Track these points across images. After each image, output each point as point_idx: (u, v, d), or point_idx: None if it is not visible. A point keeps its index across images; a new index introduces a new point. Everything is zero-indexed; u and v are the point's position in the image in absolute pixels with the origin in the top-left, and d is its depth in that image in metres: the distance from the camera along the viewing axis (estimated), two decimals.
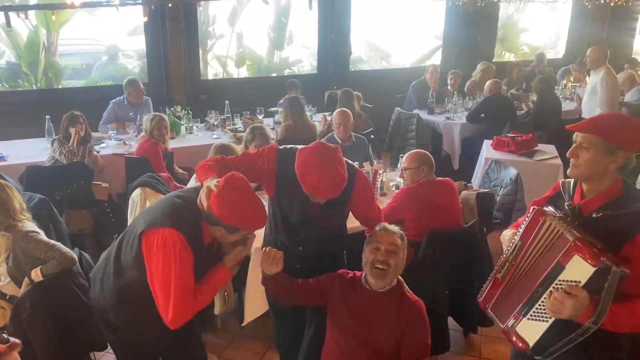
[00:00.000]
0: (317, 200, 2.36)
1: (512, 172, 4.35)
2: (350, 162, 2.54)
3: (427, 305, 3.21)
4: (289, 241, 2.59)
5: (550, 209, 1.94)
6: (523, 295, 1.85)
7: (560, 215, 1.88)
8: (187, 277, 2.05)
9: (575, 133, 1.87)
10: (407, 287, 2.47)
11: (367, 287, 2.40)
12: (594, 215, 1.84)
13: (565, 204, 1.94)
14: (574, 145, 1.87)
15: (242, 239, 2.16)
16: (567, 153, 1.89)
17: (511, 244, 1.96)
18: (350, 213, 2.69)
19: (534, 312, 1.82)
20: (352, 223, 2.77)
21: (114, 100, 5.82)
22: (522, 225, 1.93)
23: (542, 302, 1.79)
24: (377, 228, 2.44)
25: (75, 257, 2.92)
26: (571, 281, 1.71)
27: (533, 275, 1.83)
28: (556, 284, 1.75)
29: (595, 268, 1.64)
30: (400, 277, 2.47)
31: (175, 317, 2.03)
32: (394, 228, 2.44)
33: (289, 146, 2.51)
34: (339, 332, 2.42)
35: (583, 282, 1.68)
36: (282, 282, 2.40)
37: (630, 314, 1.74)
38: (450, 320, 3.46)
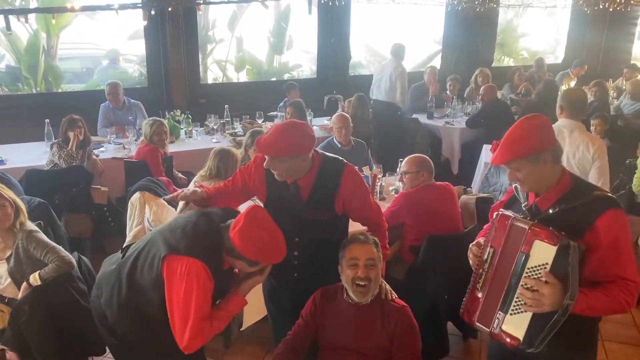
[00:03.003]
0: (275, 172, 2.35)
1: None
2: (339, 157, 2.56)
3: (427, 310, 3.23)
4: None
5: (510, 213, 1.99)
6: (500, 294, 1.90)
7: (522, 216, 1.95)
8: (207, 305, 2.09)
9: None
10: (390, 294, 2.44)
11: (349, 301, 2.39)
12: (550, 211, 1.91)
13: (522, 205, 2.02)
14: (507, 172, 1.98)
15: (260, 268, 2.21)
16: (508, 179, 2.00)
17: (485, 254, 1.98)
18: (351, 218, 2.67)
19: (513, 306, 1.86)
20: (353, 227, 2.76)
21: (102, 104, 5.84)
22: (490, 233, 1.98)
23: (518, 294, 1.83)
24: (350, 238, 2.42)
25: (74, 261, 2.92)
26: (539, 266, 1.78)
27: (504, 273, 1.89)
28: (526, 273, 1.81)
29: (557, 247, 1.73)
30: (384, 284, 2.46)
31: (191, 343, 2.06)
32: (367, 238, 2.40)
33: None
34: (328, 345, 2.41)
35: (550, 263, 1.76)
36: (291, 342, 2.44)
37: (603, 295, 1.81)
38: (449, 325, 3.45)
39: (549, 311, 1.76)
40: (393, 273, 3.48)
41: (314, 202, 2.46)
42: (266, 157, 2.33)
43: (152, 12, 5.50)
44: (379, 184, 4.13)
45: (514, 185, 2.09)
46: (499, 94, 6.95)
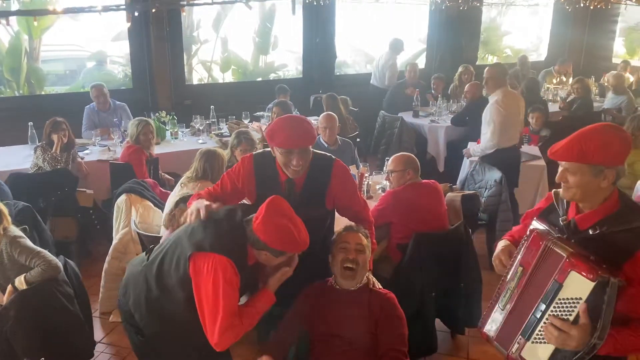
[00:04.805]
0: (293, 166, 2.38)
1: (497, 173, 4.39)
2: (327, 154, 2.61)
3: (415, 307, 3.25)
4: None
5: (545, 227, 1.89)
6: (524, 319, 1.79)
7: (558, 236, 1.82)
8: (235, 301, 2.11)
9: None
10: (377, 284, 2.54)
11: (338, 287, 2.48)
12: (590, 232, 1.77)
13: (560, 218, 1.89)
14: (560, 169, 1.82)
15: (286, 260, 2.23)
16: (556, 177, 1.84)
17: (512, 271, 1.87)
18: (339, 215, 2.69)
19: (537, 334, 1.75)
20: (338, 226, 2.77)
21: (87, 106, 5.79)
22: (521, 249, 1.85)
23: (545, 323, 1.72)
24: (342, 229, 2.53)
25: (60, 265, 2.89)
26: (572, 299, 1.65)
27: (532, 297, 1.77)
28: (556, 303, 1.69)
29: (595, 282, 1.58)
30: (370, 276, 2.55)
31: (222, 339, 2.08)
32: (359, 228, 2.53)
33: (262, 150, 2.60)
34: (319, 334, 2.46)
35: (584, 298, 1.62)
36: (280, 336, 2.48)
37: (632, 337, 1.70)
38: (437, 321, 3.47)
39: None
40: (381, 272, 3.49)
41: (306, 198, 2.50)
42: (293, 153, 2.35)
43: (136, 14, 5.46)
44: (366, 182, 4.15)
45: (554, 192, 1.98)
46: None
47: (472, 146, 5.10)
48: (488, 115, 4.73)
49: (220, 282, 2.05)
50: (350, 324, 2.40)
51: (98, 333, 3.65)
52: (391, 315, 2.42)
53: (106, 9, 4.78)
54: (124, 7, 5.24)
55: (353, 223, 2.62)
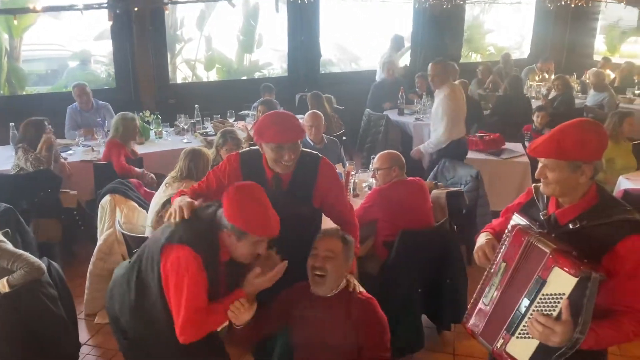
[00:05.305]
0: (284, 161, 2.39)
1: (472, 169, 4.43)
2: (314, 151, 2.62)
3: (402, 304, 3.27)
4: None
5: (522, 222, 1.92)
6: (508, 314, 1.81)
7: (540, 231, 1.84)
8: (199, 297, 2.08)
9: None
10: (358, 288, 2.45)
11: (314, 292, 2.41)
12: (570, 227, 1.81)
13: (540, 213, 1.92)
14: (540, 165, 1.85)
15: (262, 260, 2.18)
16: (536, 173, 1.87)
17: (494, 267, 1.89)
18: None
19: (521, 330, 1.78)
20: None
21: (70, 106, 5.72)
22: (504, 245, 1.88)
23: (529, 319, 1.74)
24: (320, 232, 2.47)
25: (44, 266, 2.86)
26: (555, 294, 1.68)
27: (516, 293, 1.79)
28: (540, 299, 1.72)
29: (577, 278, 1.61)
30: (351, 279, 2.46)
31: (184, 333, 2.07)
32: (335, 232, 2.45)
33: (248, 148, 2.60)
34: (299, 339, 2.41)
35: (567, 293, 1.65)
36: (253, 327, 2.33)
37: (612, 331, 1.73)
38: (423, 317, 3.49)
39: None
40: (368, 269, 3.51)
41: (293, 195, 2.50)
42: (285, 148, 2.36)
43: (118, 12, 5.41)
44: (352, 180, 4.16)
45: (534, 186, 2.00)
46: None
47: (421, 146, 5.14)
48: (440, 111, 4.85)
49: (183, 276, 2.03)
50: (329, 331, 2.34)
51: (83, 335, 3.61)
52: (372, 322, 2.36)
53: (87, 7, 4.74)
54: (105, 5, 5.20)
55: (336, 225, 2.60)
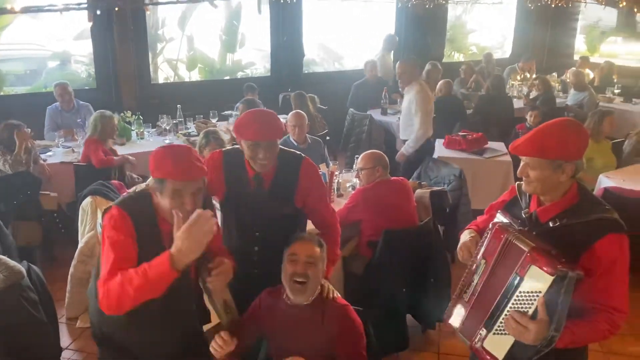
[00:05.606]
0: (259, 159, 2.38)
1: (455, 168, 4.46)
2: (296, 151, 2.62)
3: (386, 304, 3.27)
4: (244, 242, 2.58)
5: (504, 220, 1.94)
6: (487, 310, 1.83)
7: (520, 229, 1.87)
8: (117, 257, 1.89)
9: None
10: (332, 294, 2.36)
11: (289, 302, 2.30)
12: (550, 225, 1.84)
13: (523, 211, 1.94)
14: (522, 164, 1.87)
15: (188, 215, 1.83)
16: (517, 172, 1.90)
17: (474, 264, 1.92)
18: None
19: (498, 326, 1.80)
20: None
21: (49, 106, 5.64)
22: (484, 242, 1.90)
23: (506, 315, 1.77)
24: (294, 236, 2.36)
25: (24, 270, 2.81)
26: (531, 292, 1.70)
27: (495, 289, 1.81)
28: (517, 296, 1.74)
29: (553, 277, 1.63)
30: (326, 284, 2.38)
31: (101, 300, 1.89)
32: (311, 237, 2.37)
33: (232, 147, 2.60)
34: (276, 349, 2.36)
35: (543, 292, 1.67)
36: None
37: (588, 330, 1.77)
38: (408, 317, 3.50)
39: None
40: (352, 269, 3.51)
41: (274, 195, 2.49)
42: (260, 147, 2.35)
43: (98, 12, 5.34)
44: (336, 180, 4.15)
45: (517, 184, 2.02)
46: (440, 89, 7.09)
47: (402, 149, 5.19)
48: (413, 107, 4.94)
49: (108, 233, 1.94)
50: (304, 341, 2.25)
51: (65, 339, 3.57)
52: (349, 331, 2.28)
53: (67, 8, 4.66)
54: (85, 5, 5.12)
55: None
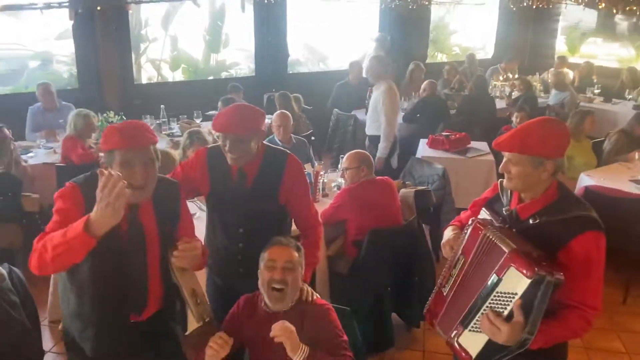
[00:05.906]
0: (226, 152, 2.36)
1: (439, 168, 4.50)
2: (282, 148, 2.62)
3: (372, 303, 3.29)
4: (228, 239, 2.56)
5: (487, 216, 1.97)
6: (464, 307, 1.85)
7: (499, 225, 1.89)
8: (53, 219, 1.94)
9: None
10: (312, 296, 2.30)
11: (267, 310, 2.24)
12: (530, 222, 1.86)
13: (504, 208, 1.97)
14: (504, 160, 1.90)
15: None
16: (500, 168, 1.93)
17: (454, 258, 1.95)
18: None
19: (474, 324, 1.82)
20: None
21: (31, 107, 5.58)
22: (464, 238, 1.92)
23: (482, 313, 1.78)
24: (270, 240, 2.29)
25: (4, 272, 2.78)
26: (508, 293, 1.71)
27: (473, 287, 1.83)
28: (494, 296, 1.75)
29: (530, 280, 1.64)
30: (304, 286, 2.31)
31: (30, 258, 1.93)
32: (289, 241, 2.30)
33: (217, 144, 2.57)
34: (256, 358, 2.31)
35: (519, 293, 1.68)
36: None
37: (561, 329, 1.79)
38: (393, 315, 3.52)
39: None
40: (338, 268, 3.52)
41: (258, 191, 2.48)
42: (227, 139, 2.32)
43: (79, 11, 5.29)
44: (321, 180, 4.16)
45: (499, 182, 2.04)
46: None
47: (377, 154, 5.19)
48: (380, 103, 5.01)
49: (54, 207, 1.95)
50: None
51: (47, 342, 3.53)
52: (328, 329, 2.20)
53: (47, 6, 4.61)
54: (66, 4, 5.06)
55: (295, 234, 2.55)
